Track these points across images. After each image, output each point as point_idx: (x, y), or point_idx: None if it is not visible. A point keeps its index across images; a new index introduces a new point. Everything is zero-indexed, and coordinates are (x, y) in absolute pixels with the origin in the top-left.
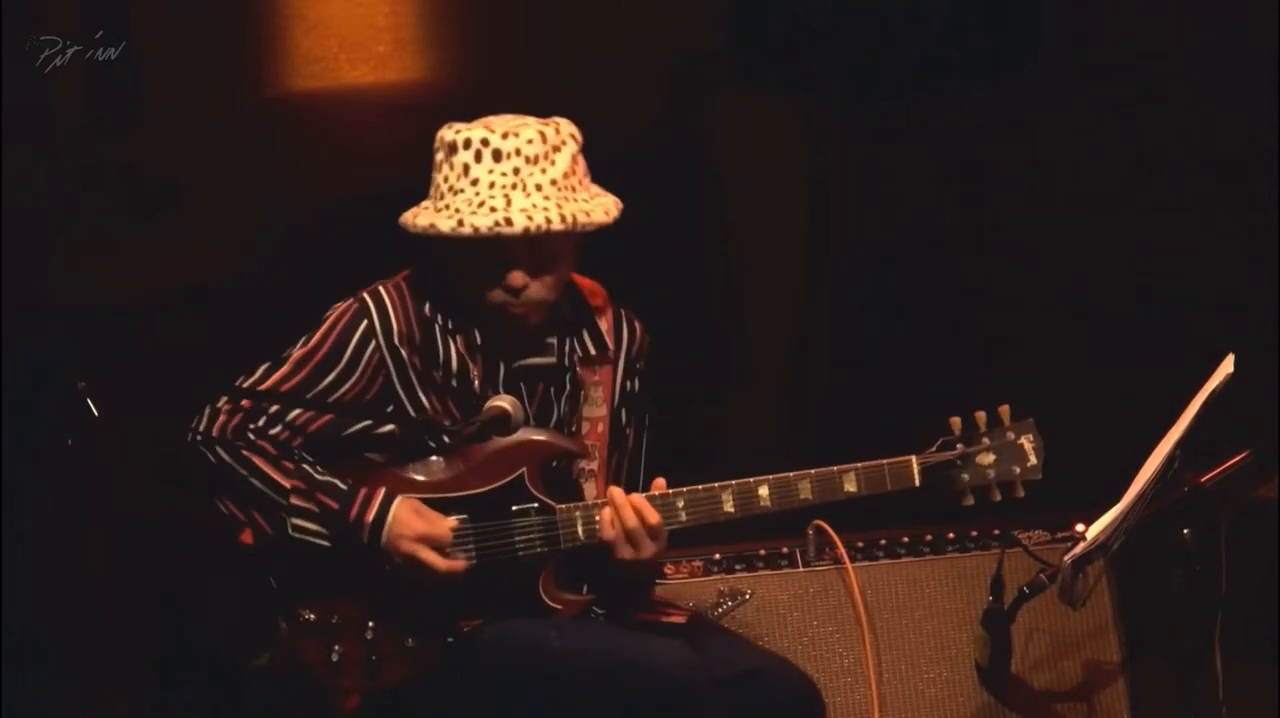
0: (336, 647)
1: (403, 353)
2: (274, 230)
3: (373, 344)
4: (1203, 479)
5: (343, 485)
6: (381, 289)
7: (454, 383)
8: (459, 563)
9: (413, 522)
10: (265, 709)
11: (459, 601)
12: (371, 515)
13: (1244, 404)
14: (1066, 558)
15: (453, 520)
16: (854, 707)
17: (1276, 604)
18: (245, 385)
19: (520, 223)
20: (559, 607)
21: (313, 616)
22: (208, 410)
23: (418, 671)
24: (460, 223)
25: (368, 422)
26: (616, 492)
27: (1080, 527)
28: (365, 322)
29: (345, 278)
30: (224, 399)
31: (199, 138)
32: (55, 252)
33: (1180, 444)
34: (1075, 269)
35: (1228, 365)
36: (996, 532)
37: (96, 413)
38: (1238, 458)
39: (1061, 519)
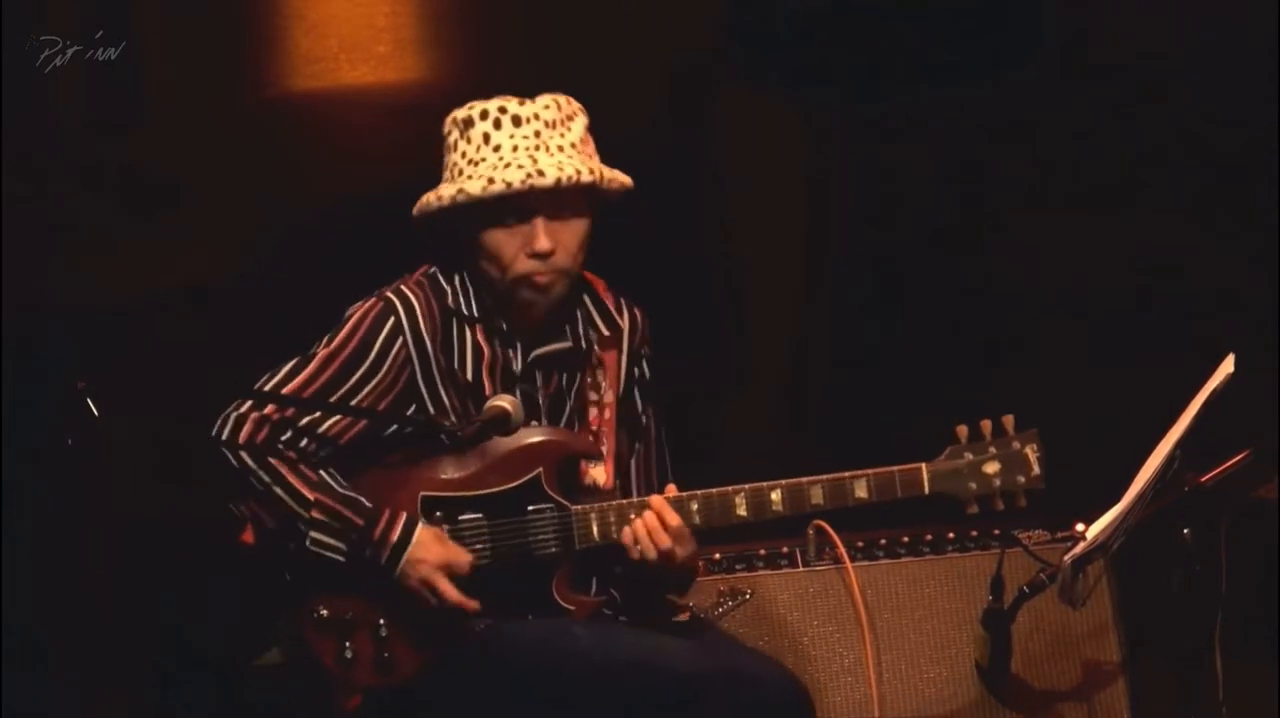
0: (349, 643)
1: (428, 348)
2: (274, 230)
3: (400, 340)
4: (1203, 479)
5: (367, 503)
6: (404, 287)
7: (470, 376)
8: (473, 603)
9: (435, 548)
10: (266, 709)
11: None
12: (396, 536)
13: (1244, 404)
14: (1066, 558)
15: (471, 556)
16: (854, 707)
17: (1276, 604)
18: (270, 387)
19: (552, 174)
20: (572, 608)
21: (326, 611)
22: (233, 414)
23: (428, 668)
24: (491, 180)
25: (379, 422)
26: (649, 514)
27: (1080, 527)
28: (392, 318)
29: (345, 278)
30: (249, 402)
31: (199, 138)
32: (55, 252)
33: (1180, 444)
34: (1075, 269)
35: (1228, 365)
36: (996, 532)
37: (96, 413)
38: (1238, 458)
39: (1061, 519)
